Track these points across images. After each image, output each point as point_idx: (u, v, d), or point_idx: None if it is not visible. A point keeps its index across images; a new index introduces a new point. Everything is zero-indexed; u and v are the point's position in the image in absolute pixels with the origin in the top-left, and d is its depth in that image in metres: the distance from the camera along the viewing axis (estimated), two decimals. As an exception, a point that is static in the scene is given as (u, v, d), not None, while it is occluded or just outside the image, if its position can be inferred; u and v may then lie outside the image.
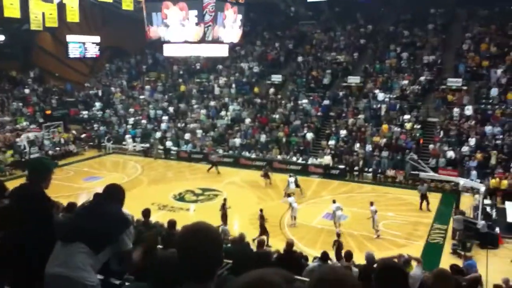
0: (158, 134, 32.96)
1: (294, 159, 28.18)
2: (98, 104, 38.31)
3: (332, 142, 28.54)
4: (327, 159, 27.15)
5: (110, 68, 43.79)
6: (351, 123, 29.59)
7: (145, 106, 37.15)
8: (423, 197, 20.77)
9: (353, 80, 33.46)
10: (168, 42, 22.05)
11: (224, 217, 17.64)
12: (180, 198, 22.73)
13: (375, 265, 9.99)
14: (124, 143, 32.92)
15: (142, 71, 42.56)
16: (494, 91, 28.83)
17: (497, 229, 17.72)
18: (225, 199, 18.91)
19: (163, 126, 34.04)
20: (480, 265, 14.40)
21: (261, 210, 17.58)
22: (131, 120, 35.37)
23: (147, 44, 39.52)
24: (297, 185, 22.43)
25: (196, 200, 22.62)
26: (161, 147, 31.62)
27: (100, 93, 39.80)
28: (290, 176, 22.57)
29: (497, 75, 29.75)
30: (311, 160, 27.82)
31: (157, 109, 36.23)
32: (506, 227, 18.33)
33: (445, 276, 4.14)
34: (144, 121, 35.06)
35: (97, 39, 39.21)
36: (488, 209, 19.36)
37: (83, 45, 38.66)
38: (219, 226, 15.78)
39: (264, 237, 15.92)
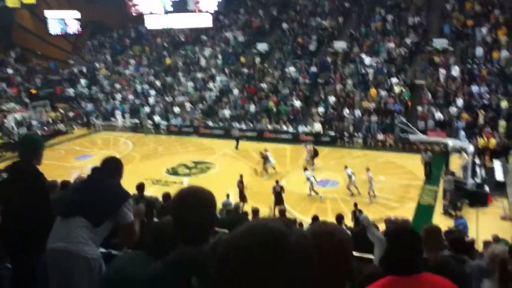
0: (146, 109, 32.74)
1: (285, 128, 28.29)
2: (83, 81, 37.75)
3: (321, 109, 28.65)
4: (317, 127, 27.31)
5: (93, 44, 42.97)
6: (339, 89, 29.66)
7: (131, 81, 36.74)
8: (428, 164, 20.32)
9: (339, 45, 33.28)
10: (150, 13, 21.67)
11: (241, 195, 17.62)
12: (173, 172, 22.85)
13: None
14: (113, 119, 32.68)
15: (125, 45, 41.85)
16: (479, 51, 28.96)
17: (486, 188, 18.17)
18: (241, 176, 18.47)
19: (151, 100, 33.79)
20: (470, 224, 14.91)
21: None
22: (118, 96, 35.01)
23: (129, 18, 38.72)
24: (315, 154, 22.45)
25: (189, 173, 22.77)
26: (150, 122, 31.46)
27: (84, 70, 39.18)
28: (266, 150, 22.09)
29: (482, 34, 29.82)
30: (301, 128, 27.96)
31: (143, 84, 35.85)
32: (495, 186, 18.80)
33: (435, 230, 4.36)
34: (131, 97, 34.74)
35: (77, 14, 38.24)
36: (477, 168, 19.79)
37: (63, 21, 37.70)
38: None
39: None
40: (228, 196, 16.26)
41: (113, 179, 3.57)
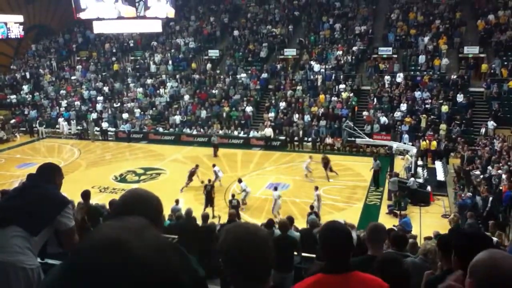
0: (93, 115, 31.85)
1: (236, 133, 28.35)
2: (26, 87, 36.28)
3: (272, 114, 28.95)
4: (268, 131, 27.55)
5: (37, 48, 41.41)
6: (289, 95, 30.11)
7: (78, 87, 35.68)
8: (376, 172, 20.36)
9: (290, 52, 33.99)
10: (99, 19, 21.15)
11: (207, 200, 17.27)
12: (122, 179, 22.29)
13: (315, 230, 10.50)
14: (57, 126, 31.55)
15: (72, 50, 40.59)
16: (422, 58, 30.30)
17: (429, 188, 18.95)
18: (209, 180, 18.25)
19: (99, 106, 32.91)
20: (414, 222, 15.48)
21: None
22: (63, 103, 33.86)
23: (76, 22, 37.66)
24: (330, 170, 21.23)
25: (139, 180, 22.24)
26: (97, 128, 30.60)
27: (27, 76, 37.65)
28: (214, 166, 21.21)
29: (424, 43, 31.22)
30: (252, 133, 28.12)
31: (90, 90, 34.91)
32: (437, 185, 19.66)
33: (378, 228, 4.46)
34: (77, 103, 33.69)
35: (20, 18, 36.75)
36: (419, 169, 20.58)
37: (5, 26, 36.11)
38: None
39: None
40: (177, 201, 16.01)
41: (50, 185, 3.41)
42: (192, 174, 20.06)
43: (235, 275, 1.71)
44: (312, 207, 15.42)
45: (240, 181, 18.72)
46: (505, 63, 28.44)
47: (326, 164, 21.12)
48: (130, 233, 0.99)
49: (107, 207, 10.21)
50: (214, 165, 20.61)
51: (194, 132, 29.20)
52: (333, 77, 30.58)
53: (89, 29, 36.83)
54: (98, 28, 23.42)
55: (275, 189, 17.73)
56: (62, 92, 35.20)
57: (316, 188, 17.30)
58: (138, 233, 1.00)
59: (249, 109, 29.77)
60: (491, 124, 24.57)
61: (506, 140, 21.90)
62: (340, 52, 32.34)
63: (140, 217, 1.10)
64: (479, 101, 27.35)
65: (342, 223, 3.54)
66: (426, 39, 31.43)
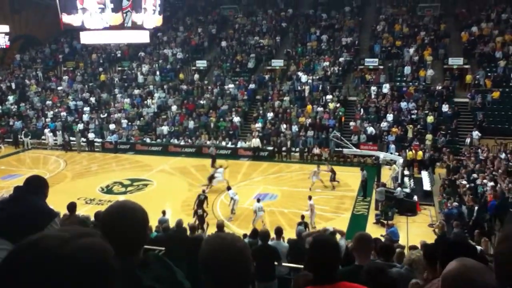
0: (80, 126, 31.58)
1: (224, 143, 28.32)
2: (11, 98, 35.89)
3: (259, 125, 29.01)
4: (255, 142, 27.58)
5: (23, 58, 41.07)
6: (277, 106, 30.22)
7: (64, 98, 35.39)
8: (364, 181, 20.45)
9: (277, 63, 34.21)
10: (85, 29, 21.08)
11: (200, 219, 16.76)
12: (108, 190, 22.07)
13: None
14: (43, 137, 31.21)
15: (58, 60, 40.34)
16: (407, 69, 30.70)
17: (415, 197, 19.08)
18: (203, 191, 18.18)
19: (85, 117, 32.66)
20: (401, 231, 15.55)
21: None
22: (49, 113, 33.55)
23: (63, 32, 37.51)
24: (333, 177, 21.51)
25: (125, 191, 22.05)
26: (83, 139, 30.34)
27: (13, 86, 37.27)
28: (219, 167, 21.69)
29: (410, 54, 31.66)
30: (240, 144, 28.12)
31: (77, 100, 34.66)
32: (423, 195, 19.81)
33: (365, 237, 4.48)
34: (64, 113, 33.40)
35: (6, 28, 36.51)
36: (406, 179, 20.74)
37: (-10, 35, 35.86)
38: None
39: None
40: (164, 213, 15.89)
41: (38, 198, 3.37)
42: (212, 176, 20.37)
43: (212, 286, 1.71)
44: (303, 216, 15.42)
45: (228, 188, 18.70)
46: (489, 74, 28.94)
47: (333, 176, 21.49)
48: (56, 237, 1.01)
49: (93, 219, 10.08)
50: (229, 188, 18.92)
51: (182, 143, 29.11)
52: (320, 88, 30.80)
53: (76, 39, 36.71)
54: (85, 38, 23.35)
55: (258, 200, 17.53)
56: (48, 102, 34.90)
57: (310, 198, 17.35)
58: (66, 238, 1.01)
59: (236, 119, 29.81)
60: (475, 134, 24.92)
61: (491, 150, 22.20)
62: (327, 63, 32.64)
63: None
64: (464, 112, 27.76)
65: (329, 236, 3.56)
66: (412, 50, 31.89)
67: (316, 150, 26.16)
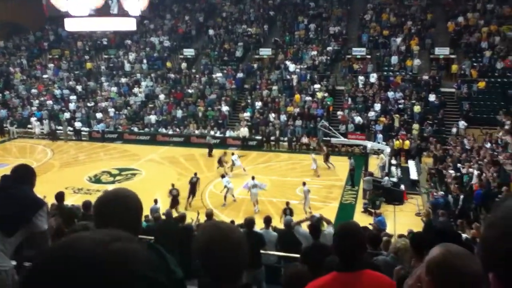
0: (66, 115, 31.24)
1: (212, 133, 28.27)
2: (-5, 86, 35.32)
3: (248, 114, 29.00)
4: (244, 131, 27.59)
5: (7, 46, 40.31)
6: (265, 95, 30.22)
7: (50, 86, 34.92)
8: (352, 170, 20.71)
9: (265, 52, 34.12)
10: (70, 16, 20.75)
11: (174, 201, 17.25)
12: (96, 180, 21.97)
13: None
14: (29, 126, 30.82)
15: (43, 48, 39.70)
16: (394, 59, 30.86)
17: (402, 186, 19.32)
18: (172, 185, 18.10)
19: (72, 106, 32.30)
20: (388, 220, 15.79)
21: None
22: (35, 102, 33.09)
23: (48, 20, 36.87)
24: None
25: (114, 180, 21.96)
26: (70, 128, 30.04)
27: (-3, 74, 36.65)
28: (233, 154, 22.37)
29: (397, 44, 31.81)
30: (228, 133, 28.11)
31: (63, 89, 34.23)
32: (410, 184, 20.06)
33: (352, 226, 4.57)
34: (50, 102, 32.97)
35: (-11, 15, 35.79)
36: (393, 168, 20.97)
37: (-27, 22, 35.10)
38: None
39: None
40: (156, 201, 15.94)
41: (25, 187, 3.38)
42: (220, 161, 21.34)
43: (208, 273, 1.77)
44: (287, 203, 15.68)
45: (223, 176, 19.02)
46: (475, 64, 29.24)
47: (327, 157, 22.48)
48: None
49: (82, 208, 10.04)
50: (223, 176, 19.39)
51: (170, 132, 28.99)
52: (308, 77, 30.84)
53: (61, 26, 36.08)
54: (70, 25, 23.03)
55: (253, 178, 18.29)
56: (34, 91, 34.40)
57: (304, 184, 17.68)
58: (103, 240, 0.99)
59: (225, 108, 29.75)
60: (462, 124, 25.26)
61: (477, 139, 22.53)
62: (315, 52, 32.65)
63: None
64: (450, 101, 28.08)
65: (355, 223, 3.64)
66: (399, 40, 32.03)
67: (305, 140, 26.28)
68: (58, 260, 0.94)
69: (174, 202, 17.20)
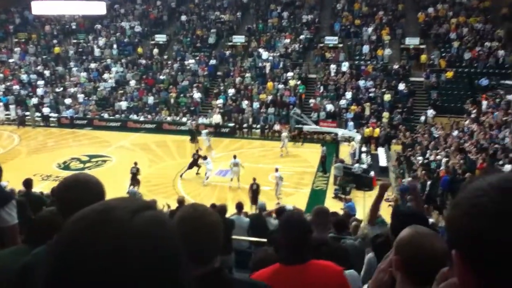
0: (34, 101, 30.40)
1: (184, 119, 28.06)
2: (-42, 70, 34.01)
3: (220, 101, 28.89)
4: (216, 118, 27.51)
5: (-31, 29, 38.82)
6: (238, 82, 30.15)
7: (16, 71, 33.87)
8: (324, 157, 21.06)
9: (238, 39, 33.96)
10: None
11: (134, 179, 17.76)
12: (65, 166, 21.54)
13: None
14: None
15: (9, 31, 38.36)
16: (365, 48, 31.22)
17: (372, 173, 19.70)
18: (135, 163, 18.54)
19: (39, 91, 31.45)
20: (358, 206, 16.08)
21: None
22: (1, 87, 32.06)
23: (14, 2, 35.59)
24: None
25: (83, 167, 21.55)
26: (38, 114, 29.29)
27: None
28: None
29: (368, 33, 32.17)
30: (201, 120, 27.95)
31: (30, 74, 33.26)
32: (380, 171, 20.47)
33: (323, 210, 4.66)
34: (16, 87, 32.00)
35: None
36: (363, 155, 21.35)
37: None
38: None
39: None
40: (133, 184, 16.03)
41: None
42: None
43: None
44: (254, 178, 16.55)
45: (205, 158, 19.42)
46: (443, 54, 29.89)
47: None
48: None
49: (50, 195, 9.87)
50: (205, 158, 19.69)
51: (141, 119, 28.63)
52: (281, 65, 30.91)
53: (27, 9, 34.95)
54: (37, 9, 22.37)
55: (234, 157, 19.06)
56: (-1, 75, 33.33)
57: (276, 170, 17.92)
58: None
59: (197, 95, 29.54)
60: (430, 112, 25.85)
61: (444, 127, 23.12)
62: (287, 40, 32.71)
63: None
64: (419, 90, 28.67)
65: (300, 214, 3.65)
66: (370, 29, 32.39)
67: (277, 127, 26.39)
68: (96, 227, 0.83)
69: (133, 180, 17.76)
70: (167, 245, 0.88)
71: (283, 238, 2.56)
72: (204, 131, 23.46)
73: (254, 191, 16.27)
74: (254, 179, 16.61)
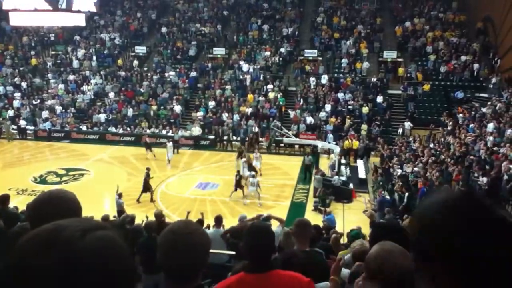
0: (10, 113, 29.85)
1: (164, 132, 27.88)
2: None
3: (201, 114, 28.84)
4: (196, 130, 27.42)
5: None
6: (218, 94, 30.17)
7: (-8, 82, 33.27)
8: (307, 167, 21.44)
9: (218, 51, 34.07)
10: (16, 9, 19.84)
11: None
12: (42, 180, 21.12)
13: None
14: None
15: (-16, 42, 37.73)
16: (344, 61, 31.65)
17: (351, 185, 19.85)
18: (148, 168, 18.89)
19: (16, 103, 30.91)
20: (338, 218, 16.16)
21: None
22: (-25, 99, 31.44)
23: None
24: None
25: (60, 181, 21.18)
26: (14, 126, 28.75)
27: None
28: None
29: (347, 46, 32.64)
30: (181, 132, 27.80)
31: (6, 85, 32.69)
32: (359, 183, 20.65)
33: (304, 223, 4.67)
34: (-9, 99, 31.41)
35: None
36: (343, 167, 21.52)
37: None
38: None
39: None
40: (120, 195, 15.73)
41: None
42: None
43: (164, 273, 1.78)
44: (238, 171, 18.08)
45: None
46: (420, 67, 30.47)
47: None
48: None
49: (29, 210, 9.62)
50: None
51: (120, 131, 28.35)
52: (261, 77, 31.09)
53: (4, 20, 34.42)
54: (15, 20, 21.97)
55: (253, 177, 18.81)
56: (-26, 87, 32.67)
57: (253, 176, 18.40)
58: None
59: (177, 108, 29.43)
60: (407, 124, 26.26)
61: (422, 140, 23.48)
62: (268, 53, 32.96)
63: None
64: (397, 103, 29.13)
65: (265, 223, 3.63)
66: (349, 43, 32.87)
67: (261, 139, 26.35)
68: (48, 247, 0.87)
69: (145, 187, 18.22)
70: (117, 263, 0.90)
71: (246, 246, 2.56)
72: (169, 144, 23.35)
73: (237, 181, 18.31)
74: (238, 171, 18.91)
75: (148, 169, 18.87)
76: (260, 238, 2.52)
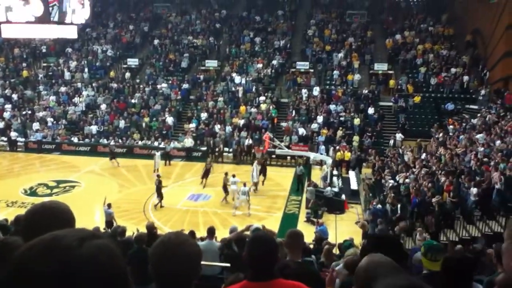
0: (0, 124, 29.64)
1: (156, 143, 27.80)
2: None
3: (193, 125, 28.84)
4: (188, 142, 27.39)
5: None
6: (211, 106, 30.21)
7: (-18, 94, 33.08)
8: (299, 177, 21.54)
9: (211, 63, 34.20)
10: (8, 22, 19.80)
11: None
12: (32, 192, 20.93)
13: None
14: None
15: (-25, 54, 37.59)
16: (336, 73, 31.90)
17: (343, 196, 19.87)
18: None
19: (7, 115, 30.71)
20: (330, 229, 16.14)
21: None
22: (-34, 110, 31.20)
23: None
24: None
25: (51, 193, 20.99)
26: (5, 138, 28.53)
27: None
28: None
29: (339, 59, 32.92)
30: (172, 144, 27.73)
31: (-3, 97, 32.52)
32: (351, 194, 20.69)
33: (296, 234, 4.66)
34: (-18, 111, 31.18)
35: None
36: (335, 178, 21.56)
37: None
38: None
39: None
40: (109, 205, 15.60)
41: None
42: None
43: (156, 284, 1.77)
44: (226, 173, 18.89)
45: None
46: (410, 79, 30.77)
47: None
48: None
49: (14, 223, 9.53)
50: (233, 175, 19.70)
51: (112, 143, 28.20)
52: (253, 89, 31.21)
53: (-4, 32, 34.32)
54: (7, 32, 21.92)
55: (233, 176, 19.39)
56: (-36, 99, 32.44)
57: (244, 184, 18.53)
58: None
59: (170, 119, 29.41)
60: (399, 136, 26.42)
61: (414, 151, 23.62)
62: (260, 65, 33.13)
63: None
64: (388, 115, 29.33)
65: (267, 233, 3.64)
66: (340, 55, 33.16)
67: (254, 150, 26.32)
68: (45, 255, 0.92)
69: (158, 194, 18.81)
70: (113, 270, 0.96)
71: (248, 255, 2.57)
72: (157, 153, 23.91)
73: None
74: (226, 173, 19.66)
75: (158, 176, 19.34)
76: (264, 246, 2.54)
